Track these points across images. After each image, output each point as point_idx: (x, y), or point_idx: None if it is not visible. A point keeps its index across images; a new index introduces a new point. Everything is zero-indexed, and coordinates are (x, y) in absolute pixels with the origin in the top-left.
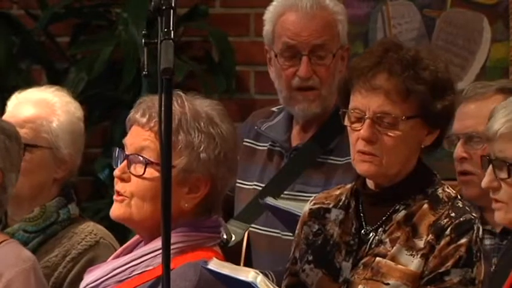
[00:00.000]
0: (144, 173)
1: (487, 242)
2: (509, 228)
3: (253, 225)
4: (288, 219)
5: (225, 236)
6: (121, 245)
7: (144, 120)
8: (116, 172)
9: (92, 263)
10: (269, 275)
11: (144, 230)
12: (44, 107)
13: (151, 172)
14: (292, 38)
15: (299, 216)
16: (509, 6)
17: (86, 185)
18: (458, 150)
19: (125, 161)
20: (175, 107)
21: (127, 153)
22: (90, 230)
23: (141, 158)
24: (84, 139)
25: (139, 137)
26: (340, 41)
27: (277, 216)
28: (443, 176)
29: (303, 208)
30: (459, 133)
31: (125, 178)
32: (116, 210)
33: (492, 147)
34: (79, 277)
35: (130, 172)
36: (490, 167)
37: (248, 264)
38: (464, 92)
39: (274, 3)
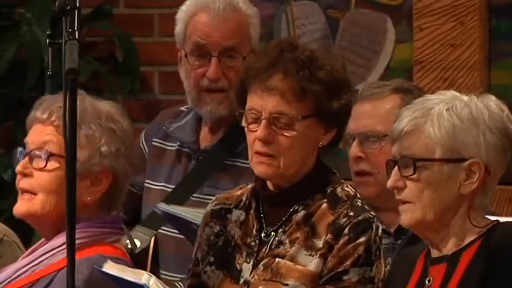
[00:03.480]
0: (45, 166)
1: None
2: (411, 229)
3: (161, 227)
4: (182, 226)
5: (129, 246)
6: (24, 245)
7: (45, 116)
8: (18, 168)
9: None
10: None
11: (47, 225)
12: None
13: (53, 164)
14: (203, 38)
15: (193, 223)
16: (413, 7)
17: None
18: (354, 150)
19: (27, 157)
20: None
21: (28, 149)
22: None
23: (43, 152)
24: None
25: (41, 133)
26: (251, 44)
27: (171, 223)
28: (347, 176)
29: (198, 215)
30: (355, 133)
31: (27, 173)
32: (21, 207)
33: (397, 147)
34: None
35: (32, 167)
36: (396, 168)
37: (155, 268)
38: (359, 91)
39: (187, 3)
